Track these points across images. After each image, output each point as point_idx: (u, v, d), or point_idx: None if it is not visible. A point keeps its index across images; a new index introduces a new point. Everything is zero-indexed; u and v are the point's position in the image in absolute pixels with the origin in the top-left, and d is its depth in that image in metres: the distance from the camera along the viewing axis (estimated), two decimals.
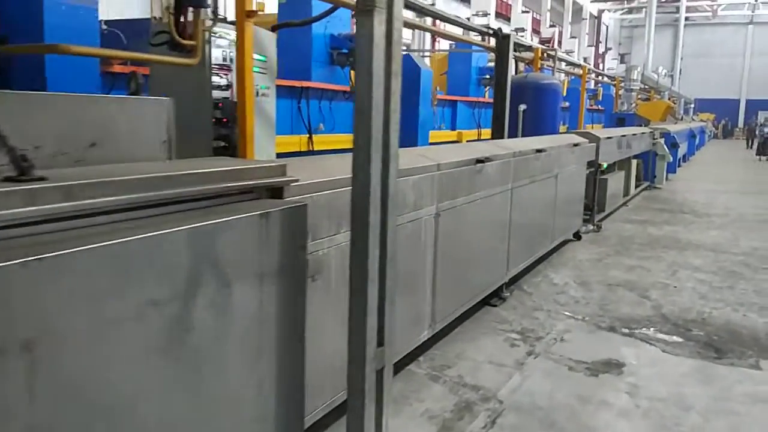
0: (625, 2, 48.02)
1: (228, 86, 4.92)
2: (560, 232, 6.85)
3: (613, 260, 6.75)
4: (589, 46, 42.68)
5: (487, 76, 13.83)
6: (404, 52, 11.59)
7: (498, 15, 33.72)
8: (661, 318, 4.85)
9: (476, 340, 4.32)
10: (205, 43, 4.57)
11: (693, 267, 6.53)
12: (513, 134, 8.37)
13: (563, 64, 14.86)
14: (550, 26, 35.31)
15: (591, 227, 8.28)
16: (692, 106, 37.74)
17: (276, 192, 2.35)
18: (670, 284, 5.83)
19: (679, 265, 6.62)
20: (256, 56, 4.85)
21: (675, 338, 4.43)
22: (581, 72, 13.59)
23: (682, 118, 28.01)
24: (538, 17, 36.54)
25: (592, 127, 21.20)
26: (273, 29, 5.51)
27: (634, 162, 11.24)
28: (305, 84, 8.36)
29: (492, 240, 4.83)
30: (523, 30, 28.04)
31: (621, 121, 13.48)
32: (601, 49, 46.54)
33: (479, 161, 4.33)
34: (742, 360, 4.07)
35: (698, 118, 36.13)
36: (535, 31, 34.47)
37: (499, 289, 5.14)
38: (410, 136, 10.62)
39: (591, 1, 44.05)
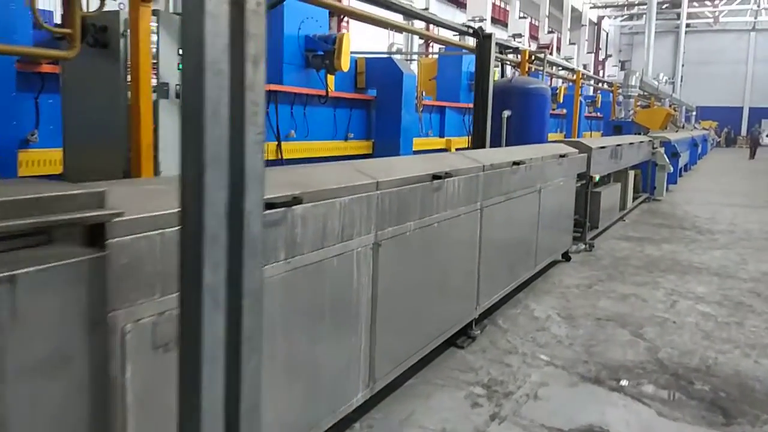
0: (625, 9, 47.36)
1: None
2: (545, 254, 6.06)
3: (605, 287, 5.97)
4: (588, 52, 42.05)
5: None
6: (385, 55, 10.89)
7: (495, 21, 33.12)
8: (657, 365, 4.06)
9: (431, 396, 3.53)
10: (120, 36, 3.86)
11: (695, 296, 5.75)
12: (496, 143, 7.63)
13: (559, 69, 14.13)
14: (549, 32, 34.61)
15: (582, 246, 7.49)
16: (694, 113, 37.00)
17: (97, 231, 1.58)
18: (669, 319, 5.04)
19: (680, 293, 5.83)
20: (182, 51, 4.12)
21: (674, 395, 3.64)
22: (575, 77, 12.83)
23: (683, 126, 27.26)
24: (536, 23, 35.94)
25: (591, 135, 20.43)
26: None
27: (632, 173, 10.47)
28: (274, 88, 7.67)
29: (456, 270, 4.05)
30: (520, 36, 27.40)
31: (618, 129, 12.72)
32: (601, 56, 45.85)
33: (436, 177, 3.55)
34: (756, 428, 3.28)
35: (700, 125, 35.36)
36: (533, 37, 33.77)
37: (468, 326, 4.36)
38: (392, 144, 9.92)
39: (590, 8, 43.37)
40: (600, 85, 21.81)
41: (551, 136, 18.46)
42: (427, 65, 14.54)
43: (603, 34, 48.31)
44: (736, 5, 44.92)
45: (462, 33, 7.16)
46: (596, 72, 39.79)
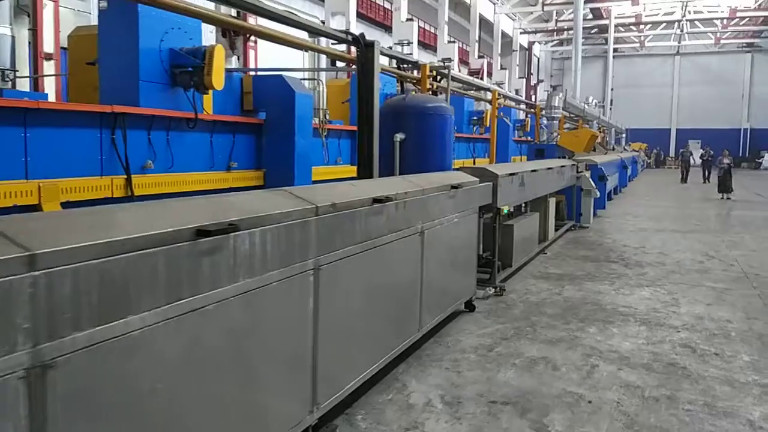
0: (555, 34, 48.03)
1: None
2: (436, 311, 4.88)
3: (510, 348, 4.81)
4: (520, 77, 42.27)
5: None
6: (275, 72, 9.72)
7: (425, 46, 32.65)
8: None
9: None
10: None
11: (618, 357, 4.65)
12: (388, 171, 6.49)
13: (472, 88, 13.19)
14: (479, 57, 34.32)
15: (491, 291, 6.37)
16: (624, 135, 37.37)
17: None
18: (584, 397, 3.89)
19: (600, 353, 4.73)
20: None
21: None
22: (491, 96, 11.94)
23: (613, 148, 27.12)
24: (466, 48, 35.73)
25: (521, 159, 19.69)
26: None
27: (553, 200, 9.52)
28: (119, 109, 6.33)
29: (271, 364, 2.78)
30: (450, 60, 26.74)
31: (540, 152, 11.86)
32: (533, 81, 46.17)
33: (206, 233, 2.29)
34: None
35: (630, 147, 35.63)
36: (463, 61, 33.40)
37: None
38: (285, 173, 8.72)
39: (521, 33, 43.68)
40: (521, 105, 21.26)
41: (479, 161, 17.64)
42: (338, 87, 13.41)
43: (534, 60, 48.82)
44: (661, 30, 46.14)
45: (340, 41, 6.02)
46: (528, 97, 39.81)
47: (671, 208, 16.25)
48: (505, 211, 6.38)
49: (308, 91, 9.25)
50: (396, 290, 4.11)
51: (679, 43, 47.75)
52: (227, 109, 8.46)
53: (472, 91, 14.82)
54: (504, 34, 39.90)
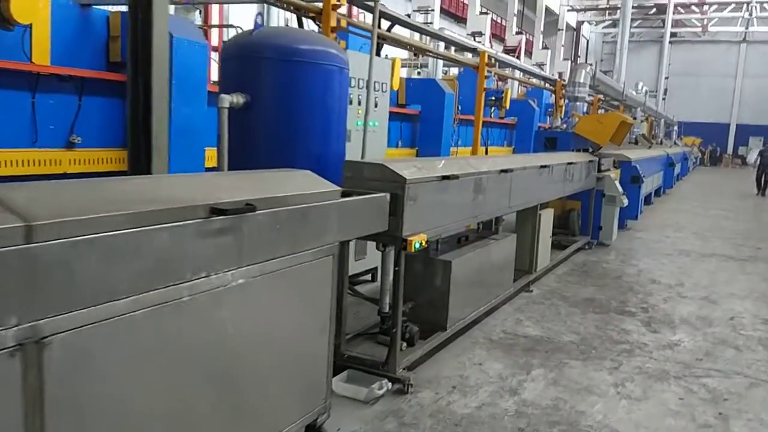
0: (607, 13, 43.87)
1: None
2: None
3: None
4: (565, 59, 38.47)
5: None
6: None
7: (450, 15, 29.44)
8: None
9: None
10: None
11: None
12: (234, 164, 3.72)
13: (451, 45, 9.99)
14: (517, 33, 30.75)
15: (381, 389, 3.50)
16: (675, 128, 33.47)
17: None
18: None
19: None
20: None
21: None
22: (497, 68, 8.92)
23: (661, 142, 23.55)
24: (503, 23, 32.25)
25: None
26: None
27: (547, 213, 6.51)
28: None
29: None
30: (480, 35, 23.56)
31: (552, 142, 8.80)
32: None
33: None
34: None
35: (682, 142, 31.72)
36: (497, 37, 29.96)
37: None
38: (185, 160, 6.02)
39: (568, 10, 39.78)
40: (531, 79, 17.98)
41: (493, 150, 14.49)
42: None
43: (583, 42, 44.82)
44: (728, 12, 41.53)
45: None
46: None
47: (724, 220, 12.92)
48: (417, 245, 3.50)
49: (201, 38, 6.39)
50: None
51: (747, 28, 42.95)
52: (80, 59, 5.73)
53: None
54: (549, 11, 36.14)
